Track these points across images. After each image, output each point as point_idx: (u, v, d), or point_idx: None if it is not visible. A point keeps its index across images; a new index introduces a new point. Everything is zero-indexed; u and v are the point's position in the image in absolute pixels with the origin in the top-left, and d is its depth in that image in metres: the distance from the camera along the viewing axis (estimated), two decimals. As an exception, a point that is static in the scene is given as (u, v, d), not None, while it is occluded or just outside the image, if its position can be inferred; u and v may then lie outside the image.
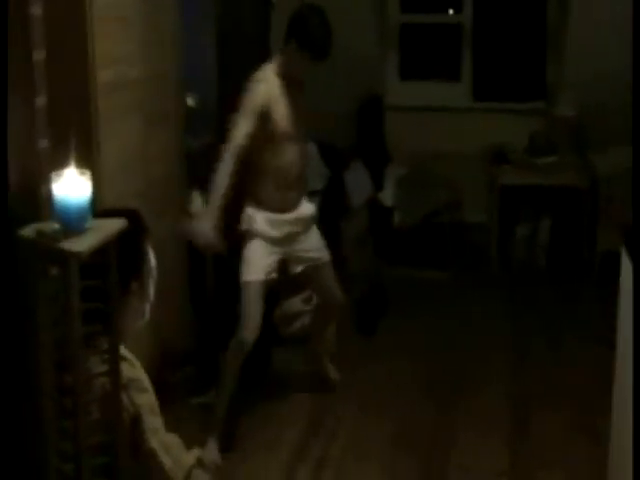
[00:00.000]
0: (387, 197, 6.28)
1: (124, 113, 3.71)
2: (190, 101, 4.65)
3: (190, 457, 2.21)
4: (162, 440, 2.13)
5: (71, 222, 1.85)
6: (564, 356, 4.74)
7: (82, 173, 1.87)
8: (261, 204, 3.89)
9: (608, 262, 5.13)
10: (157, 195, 4.03)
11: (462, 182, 6.30)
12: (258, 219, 3.88)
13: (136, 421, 2.10)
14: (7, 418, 1.97)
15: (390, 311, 5.33)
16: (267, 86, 3.78)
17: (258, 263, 3.86)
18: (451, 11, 6.67)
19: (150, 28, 3.89)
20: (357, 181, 6.23)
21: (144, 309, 2.27)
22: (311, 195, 6.09)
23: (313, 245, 4.08)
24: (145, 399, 2.14)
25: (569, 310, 5.40)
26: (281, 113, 3.80)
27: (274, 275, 3.96)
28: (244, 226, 3.90)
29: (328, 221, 6.09)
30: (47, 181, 2.45)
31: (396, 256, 6.10)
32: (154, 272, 2.27)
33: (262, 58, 4.75)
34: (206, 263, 4.74)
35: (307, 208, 4.07)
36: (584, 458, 3.73)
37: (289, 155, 3.85)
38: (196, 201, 4.86)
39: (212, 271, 4.75)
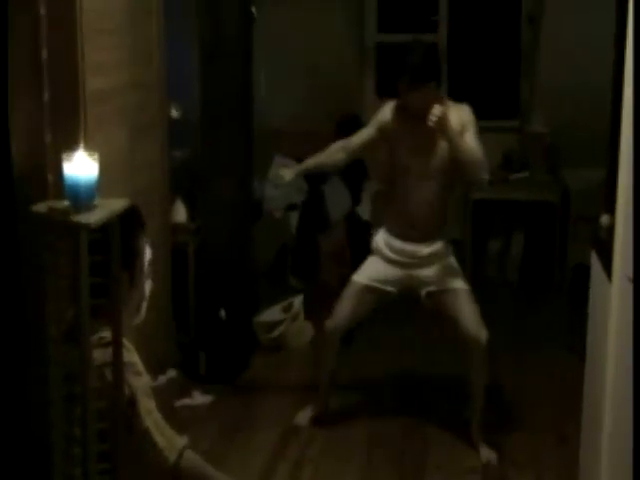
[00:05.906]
0: (365, 211, 6.40)
1: (111, 121, 3.78)
2: (174, 112, 4.73)
3: (182, 439, 2.26)
4: (156, 420, 2.18)
5: (80, 199, 1.95)
6: (535, 365, 4.85)
7: (90, 155, 1.97)
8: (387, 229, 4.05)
9: (579, 275, 5.25)
10: (141, 205, 4.07)
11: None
12: (379, 240, 4.06)
13: (131, 403, 2.16)
14: (13, 399, 2.03)
15: (367, 322, 5.42)
16: (390, 114, 3.96)
17: (367, 269, 4.07)
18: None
19: (138, 38, 3.99)
20: (336, 195, 6.34)
21: (140, 306, 2.33)
22: (290, 209, 6.23)
23: (437, 272, 3.97)
24: (140, 382, 2.21)
25: (541, 322, 5.51)
26: (401, 146, 3.90)
27: (390, 290, 4.04)
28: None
29: (307, 234, 6.22)
30: (53, 170, 2.54)
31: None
32: (148, 269, 2.33)
33: (244, 70, 4.88)
34: (188, 268, 4.85)
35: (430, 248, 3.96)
36: (554, 459, 3.86)
37: (413, 194, 3.89)
38: (179, 211, 4.95)
39: (194, 277, 4.86)
